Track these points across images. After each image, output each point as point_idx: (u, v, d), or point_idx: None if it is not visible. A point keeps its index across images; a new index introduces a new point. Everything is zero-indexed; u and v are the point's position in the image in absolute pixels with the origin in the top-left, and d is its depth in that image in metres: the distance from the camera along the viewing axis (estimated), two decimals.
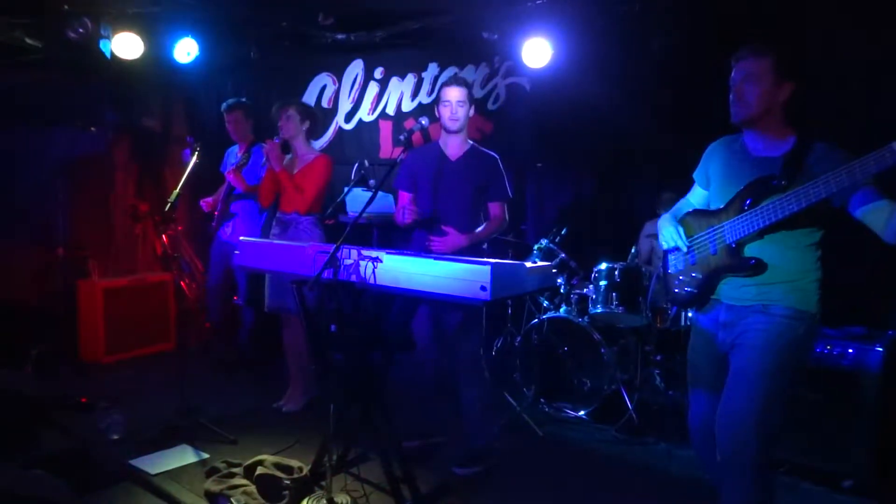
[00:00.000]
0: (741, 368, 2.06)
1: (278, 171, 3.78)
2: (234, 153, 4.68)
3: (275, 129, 3.92)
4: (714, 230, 2.18)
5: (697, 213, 2.31)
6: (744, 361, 2.05)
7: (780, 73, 2.04)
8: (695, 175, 2.41)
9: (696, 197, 2.40)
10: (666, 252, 2.40)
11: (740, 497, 2.04)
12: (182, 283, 5.48)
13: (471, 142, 3.30)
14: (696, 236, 2.26)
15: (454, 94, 3.11)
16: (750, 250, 2.09)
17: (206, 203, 4.72)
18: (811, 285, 2.05)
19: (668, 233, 2.32)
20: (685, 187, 2.49)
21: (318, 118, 4.05)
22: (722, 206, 2.18)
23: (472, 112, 3.20)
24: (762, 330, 2.03)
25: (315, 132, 4.06)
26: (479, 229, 3.23)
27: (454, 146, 3.25)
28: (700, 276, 2.22)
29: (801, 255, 2.05)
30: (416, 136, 4.03)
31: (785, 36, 3.69)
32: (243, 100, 4.72)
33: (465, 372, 3.17)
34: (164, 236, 5.07)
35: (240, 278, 4.71)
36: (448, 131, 3.19)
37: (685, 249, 2.27)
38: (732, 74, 2.12)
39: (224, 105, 4.60)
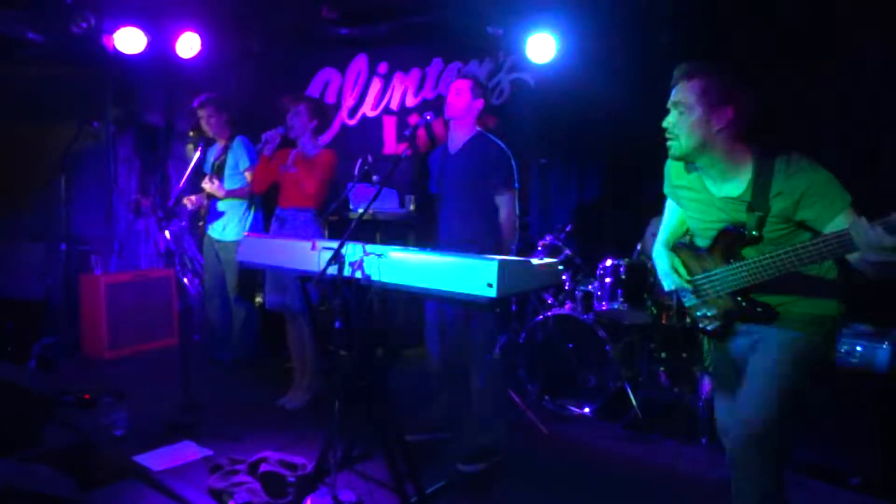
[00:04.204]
0: (755, 374, 2.01)
1: (267, 154, 3.77)
2: (216, 153, 4.57)
3: (274, 120, 3.88)
4: (710, 276, 2.08)
5: (689, 249, 2.20)
6: (759, 367, 2.01)
7: (716, 97, 1.88)
8: (665, 191, 2.32)
9: (674, 212, 2.33)
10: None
11: (747, 496, 2.02)
12: (185, 279, 5.47)
13: (478, 130, 3.25)
14: (696, 278, 2.15)
15: (454, 84, 3.22)
16: (755, 288, 2.00)
17: (190, 200, 4.64)
18: (829, 289, 1.97)
19: (667, 276, 2.22)
20: None
21: (328, 116, 4.01)
22: (706, 249, 2.09)
23: (477, 103, 3.18)
24: (779, 336, 1.98)
25: (322, 130, 4.03)
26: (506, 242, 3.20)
27: (456, 137, 3.25)
28: (718, 313, 2.11)
29: (810, 275, 1.96)
30: (421, 132, 4.02)
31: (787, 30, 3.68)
32: (213, 95, 4.56)
33: (474, 366, 3.16)
34: (166, 231, 5.06)
35: (234, 276, 4.65)
36: (446, 119, 3.24)
37: (690, 289, 2.17)
38: (670, 98, 1.97)
39: (196, 102, 4.47)
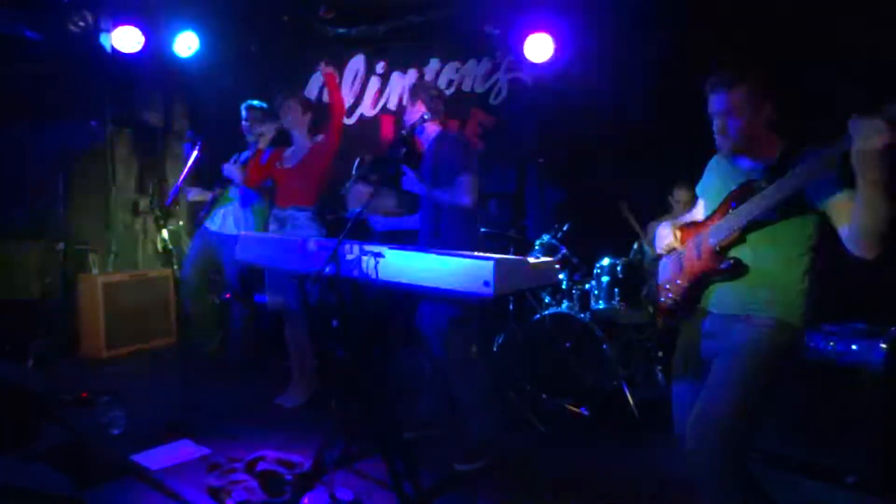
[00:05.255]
0: (717, 376, 2.05)
1: (261, 147, 3.79)
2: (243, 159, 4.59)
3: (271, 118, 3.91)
4: (700, 236, 2.18)
5: (691, 223, 2.30)
6: (721, 369, 2.04)
7: (757, 98, 2.02)
8: (697, 190, 2.39)
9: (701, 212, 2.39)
10: (660, 259, 2.39)
11: (709, 497, 2.06)
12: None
13: (440, 129, 3.31)
14: (686, 243, 2.25)
15: None
16: (734, 254, 2.07)
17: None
18: (797, 298, 2.01)
19: (662, 236, 2.32)
20: (691, 182, 2.47)
21: (321, 112, 4.02)
22: (709, 215, 2.18)
23: (418, 106, 3.25)
24: (743, 339, 2.02)
25: (318, 126, 4.04)
26: (437, 189, 3.17)
27: (425, 139, 3.33)
28: (684, 285, 2.20)
29: (788, 263, 2.01)
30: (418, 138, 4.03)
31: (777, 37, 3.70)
32: (264, 105, 4.56)
33: (452, 365, 3.16)
34: (164, 231, 5.04)
35: (231, 273, 4.64)
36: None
37: (679, 247, 2.25)
38: (710, 104, 2.09)
39: (246, 103, 4.45)
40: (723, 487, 2.01)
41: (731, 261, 2.05)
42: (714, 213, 2.16)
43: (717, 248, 2.09)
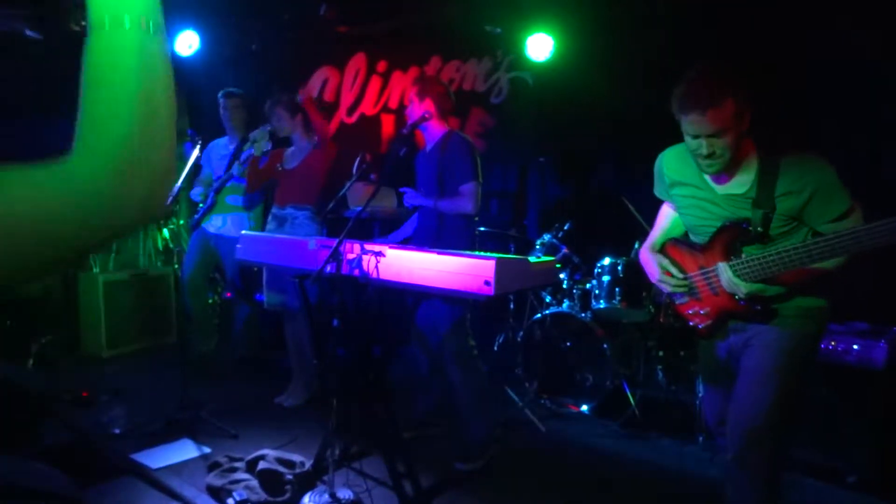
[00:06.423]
0: (753, 368, 2.02)
1: (256, 154, 3.79)
2: (221, 146, 4.54)
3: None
4: (707, 273, 2.11)
5: (678, 244, 2.23)
6: (756, 361, 2.02)
7: (741, 112, 1.87)
8: (657, 194, 2.34)
9: (668, 217, 2.35)
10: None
11: (749, 495, 2.03)
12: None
13: (447, 129, 3.27)
14: (690, 276, 2.18)
15: None
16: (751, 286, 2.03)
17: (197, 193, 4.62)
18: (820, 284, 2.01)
19: (660, 271, 2.22)
20: None
21: (308, 108, 3.96)
22: (704, 244, 2.11)
23: (426, 103, 3.19)
24: (774, 329, 2.00)
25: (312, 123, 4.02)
26: (443, 200, 3.15)
27: (428, 138, 3.30)
28: (711, 311, 2.15)
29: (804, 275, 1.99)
30: (418, 131, 4.02)
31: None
32: (244, 93, 4.57)
33: (451, 363, 3.16)
34: (165, 230, 5.05)
35: (232, 272, 4.63)
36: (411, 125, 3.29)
37: (686, 287, 2.19)
38: (694, 127, 1.89)
39: (223, 91, 4.44)
40: (764, 482, 1.99)
41: (760, 306, 2.00)
42: (710, 248, 2.08)
43: (741, 300, 2.03)
